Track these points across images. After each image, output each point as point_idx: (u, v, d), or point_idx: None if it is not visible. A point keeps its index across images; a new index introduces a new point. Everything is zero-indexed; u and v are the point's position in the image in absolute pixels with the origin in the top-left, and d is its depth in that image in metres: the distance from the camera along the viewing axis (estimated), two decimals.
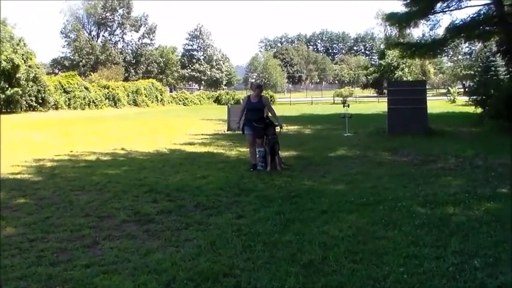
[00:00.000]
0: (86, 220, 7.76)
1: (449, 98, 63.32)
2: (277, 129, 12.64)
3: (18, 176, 12.03)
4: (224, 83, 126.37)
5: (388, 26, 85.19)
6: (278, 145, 12.47)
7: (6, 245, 6.61)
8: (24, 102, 50.58)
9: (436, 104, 46.94)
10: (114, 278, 5.35)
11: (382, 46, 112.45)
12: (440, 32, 31.15)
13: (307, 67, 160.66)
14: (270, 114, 12.75)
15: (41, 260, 5.99)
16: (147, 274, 5.43)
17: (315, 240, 6.40)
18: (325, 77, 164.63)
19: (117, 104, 62.92)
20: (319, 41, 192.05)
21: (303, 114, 41.43)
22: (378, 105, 53.28)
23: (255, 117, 12.32)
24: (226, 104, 51.30)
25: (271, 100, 65.69)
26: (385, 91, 36.62)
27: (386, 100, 21.33)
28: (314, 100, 79.82)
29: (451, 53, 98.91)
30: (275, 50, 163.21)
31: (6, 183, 11.10)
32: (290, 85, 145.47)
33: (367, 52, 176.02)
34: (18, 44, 53.40)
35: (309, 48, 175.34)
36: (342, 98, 64.93)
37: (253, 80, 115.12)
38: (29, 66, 51.22)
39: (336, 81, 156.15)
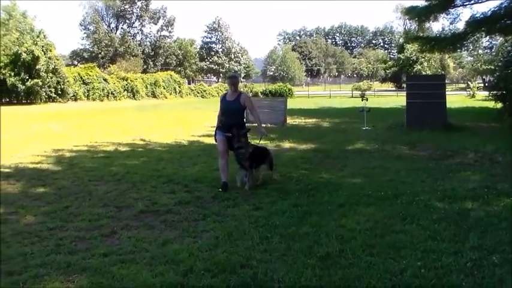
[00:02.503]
0: (104, 210, 7.86)
1: (468, 92, 62.78)
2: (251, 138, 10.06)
3: (38, 166, 12.16)
4: (242, 75, 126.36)
5: (407, 20, 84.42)
6: (249, 161, 9.47)
7: (26, 233, 6.71)
8: (44, 94, 51.13)
9: (455, 98, 46.57)
10: (132, 267, 5.40)
11: (401, 40, 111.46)
12: (460, 25, 30.86)
13: (326, 60, 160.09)
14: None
15: (60, 248, 6.08)
16: (165, 264, 5.48)
17: (332, 233, 6.40)
18: (343, 70, 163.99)
19: (136, 96, 63.29)
20: (337, 34, 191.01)
21: (321, 107, 41.31)
22: (397, 99, 52.95)
23: (231, 121, 9.47)
24: None
25: (288, 93, 65.59)
26: (404, 85, 36.39)
27: (405, 94, 21.21)
28: (332, 93, 79.59)
29: (471, 47, 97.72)
30: (293, 43, 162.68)
31: (26, 173, 11.25)
32: (308, 78, 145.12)
33: (386, 46, 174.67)
34: (38, 36, 54.01)
35: (327, 41, 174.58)
36: (360, 92, 64.72)
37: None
38: (49, 58, 51.72)
39: (355, 75, 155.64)
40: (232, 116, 9.57)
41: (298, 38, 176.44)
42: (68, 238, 6.42)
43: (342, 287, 4.87)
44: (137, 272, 5.26)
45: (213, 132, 9.88)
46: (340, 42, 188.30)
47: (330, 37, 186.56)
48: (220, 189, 9.16)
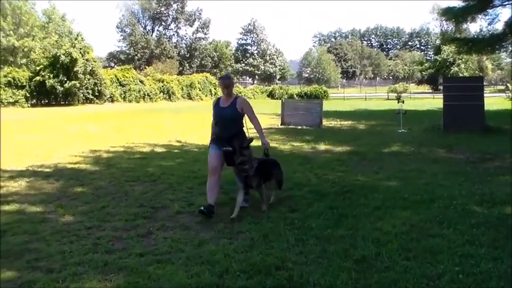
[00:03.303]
0: (140, 210, 7.94)
1: (507, 95, 61.56)
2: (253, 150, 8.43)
3: (76, 166, 12.35)
4: (278, 77, 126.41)
5: (444, 21, 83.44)
6: (256, 179, 7.96)
7: (65, 231, 6.85)
8: (82, 95, 51.94)
9: (493, 100, 45.78)
10: (168, 267, 5.45)
11: (437, 41, 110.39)
12: (499, 26, 30.28)
13: (361, 62, 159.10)
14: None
15: (97, 247, 6.18)
16: (200, 265, 5.51)
17: (367, 236, 6.36)
18: (379, 72, 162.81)
19: (171, 98, 63.72)
20: (373, 36, 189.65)
21: (356, 109, 41.08)
22: (433, 101, 52.35)
23: (227, 132, 7.95)
24: (280, 99, 51.21)
25: (324, 95, 65.38)
26: (441, 87, 35.96)
27: (442, 96, 20.98)
28: (368, 96, 79.00)
29: (510, 48, 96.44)
30: (329, 44, 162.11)
31: (65, 173, 11.44)
32: (344, 80, 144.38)
33: (422, 47, 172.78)
34: (76, 39, 54.98)
35: (363, 43, 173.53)
36: (396, 94, 64.28)
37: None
38: (86, 60, 52.48)
39: (390, 77, 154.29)
40: (228, 125, 7.99)
41: (333, 39, 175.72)
42: (105, 237, 6.52)
43: None
44: (173, 272, 5.31)
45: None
46: (376, 44, 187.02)
47: (366, 39, 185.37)
48: (201, 209, 7.44)
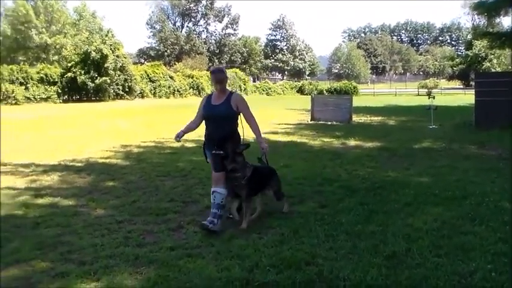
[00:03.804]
0: (171, 205, 8.00)
1: None
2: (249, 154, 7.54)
3: (107, 161, 12.48)
4: (307, 73, 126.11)
5: (475, 15, 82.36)
6: (246, 190, 6.96)
7: (97, 225, 6.94)
8: (112, 91, 52.46)
9: None
10: (198, 261, 5.49)
11: (469, 36, 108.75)
12: None
13: (391, 58, 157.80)
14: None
15: (128, 240, 6.25)
16: (230, 259, 5.54)
17: (398, 232, 6.33)
18: (409, 68, 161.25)
19: (201, 93, 63.94)
20: (403, 31, 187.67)
21: (386, 105, 40.79)
22: (464, 97, 51.82)
23: (219, 133, 6.99)
24: (310, 94, 51.05)
25: (353, 91, 64.99)
26: (472, 83, 35.47)
27: (474, 92, 20.72)
28: (398, 91, 78.37)
29: None
30: (358, 40, 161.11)
31: (96, 167, 11.57)
32: (373, 76, 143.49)
33: (453, 42, 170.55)
34: (106, 35, 55.71)
35: (392, 38, 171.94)
36: (426, 90, 63.64)
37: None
38: (117, 56, 53.07)
39: (421, 73, 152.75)
40: (221, 125, 7.03)
41: (363, 35, 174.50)
42: (136, 231, 6.59)
43: (408, 287, 4.81)
44: (203, 266, 5.34)
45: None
46: (406, 39, 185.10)
47: (396, 34, 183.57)
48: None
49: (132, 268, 5.33)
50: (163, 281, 5.00)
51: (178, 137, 7.56)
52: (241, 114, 7.26)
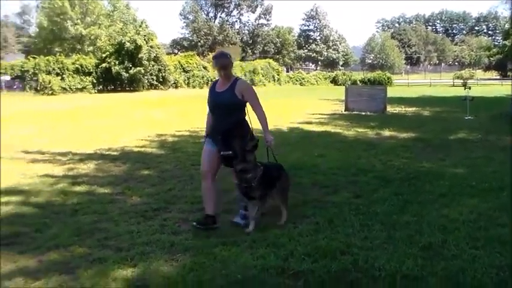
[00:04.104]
0: None
1: None
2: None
3: (143, 150, 12.63)
4: (341, 63, 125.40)
5: None
6: (260, 190, 6.27)
7: (132, 212, 7.05)
8: (146, 81, 52.82)
9: None
10: (233, 249, 5.53)
11: (506, 26, 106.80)
12: None
13: (426, 48, 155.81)
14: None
15: (164, 228, 6.34)
16: (265, 247, 5.56)
17: (433, 223, 6.29)
18: (444, 58, 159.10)
19: None
20: (438, 21, 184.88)
21: (421, 96, 40.37)
22: (501, 88, 50.85)
23: (223, 123, 6.32)
24: (344, 85, 50.76)
25: (387, 81, 64.40)
26: (510, 73, 34.90)
27: (511, 83, 20.38)
28: (432, 82, 77.42)
29: None
30: (392, 30, 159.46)
31: (131, 156, 11.71)
32: (408, 66, 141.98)
33: (489, 32, 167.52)
34: (140, 26, 56.12)
35: (427, 28, 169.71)
36: (462, 80, 62.78)
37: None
38: (151, 47, 53.41)
39: (456, 63, 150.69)
40: (225, 115, 6.35)
41: (397, 25, 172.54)
42: (172, 219, 6.66)
43: (445, 278, 4.76)
44: (238, 254, 5.38)
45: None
46: (441, 29, 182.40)
47: (430, 24, 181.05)
48: (195, 223, 6.32)
49: (168, 255, 5.39)
50: (199, 268, 5.05)
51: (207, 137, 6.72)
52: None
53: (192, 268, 5.04)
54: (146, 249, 5.55)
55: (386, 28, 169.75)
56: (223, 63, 6.40)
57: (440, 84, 75.14)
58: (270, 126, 6.76)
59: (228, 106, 6.33)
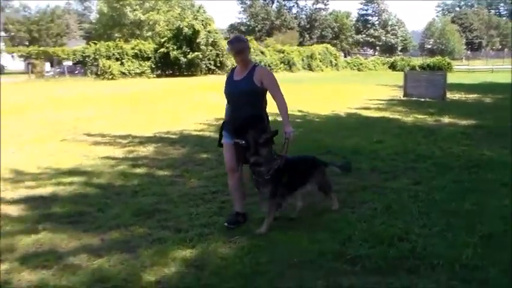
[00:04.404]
0: None
1: None
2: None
3: (201, 133, 12.79)
4: (399, 48, 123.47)
5: None
6: (271, 186, 5.78)
7: (191, 195, 7.19)
8: (204, 66, 53.12)
9: None
10: (290, 233, 5.59)
11: None
12: None
13: (488, 33, 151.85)
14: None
15: (222, 210, 6.44)
16: (323, 232, 5.58)
17: (495, 213, 6.18)
18: (507, 43, 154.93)
19: (292, 68, 63.81)
20: (502, 4, 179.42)
21: (482, 82, 39.35)
22: None
23: (240, 114, 5.84)
24: (402, 70, 50.03)
25: (447, 67, 63.16)
26: None
27: None
28: (495, 68, 75.30)
29: None
30: (453, 14, 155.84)
31: (190, 139, 11.89)
32: (468, 52, 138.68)
33: None
34: (198, 11, 56.59)
35: (490, 12, 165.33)
36: None
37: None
38: (208, 32, 53.76)
39: None
40: (242, 105, 5.86)
41: (458, 9, 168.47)
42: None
43: (506, 270, 4.66)
44: (296, 238, 5.43)
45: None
46: (505, 12, 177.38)
47: (493, 7, 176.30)
48: (226, 224, 5.88)
49: (226, 237, 5.47)
50: (257, 250, 5.11)
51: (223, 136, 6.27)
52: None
53: (250, 251, 5.11)
54: (204, 231, 5.65)
55: (447, 12, 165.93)
56: (238, 47, 5.84)
57: (503, 70, 73.06)
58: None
59: (247, 95, 5.81)
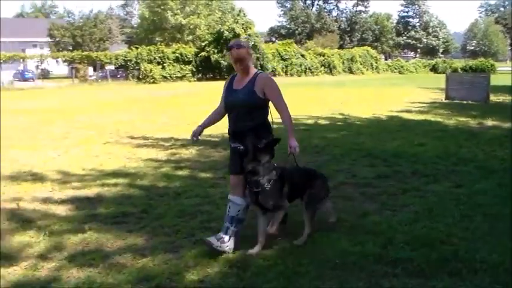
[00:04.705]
0: None
1: None
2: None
3: None
4: (441, 50, 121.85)
5: None
6: (273, 198, 5.25)
7: None
8: None
9: None
10: (332, 235, 5.60)
11: None
12: None
13: None
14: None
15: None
16: (364, 234, 5.59)
17: None
18: None
19: (333, 71, 63.63)
20: None
21: None
22: None
23: (239, 126, 5.36)
24: (444, 73, 49.45)
25: (490, 69, 62.18)
26: None
27: None
28: None
29: None
30: (496, 15, 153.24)
31: None
32: None
33: None
34: (238, 15, 56.97)
35: None
36: None
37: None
38: (249, 35, 53.86)
39: None
40: (242, 116, 5.33)
41: (502, 9, 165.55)
42: None
43: None
44: (337, 240, 5.44)
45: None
46: None
47: None
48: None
49: (269, 239, 5.44)
50: (298, 251, 5.17)
51: (195, 136, 5.66)
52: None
53: (292, 252, 5.16)
54: (247, 232, 5.67)
55: (490, 13, 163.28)
56: (239, 54, 5.27)
57: None
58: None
59: (247, 106, 5.28)
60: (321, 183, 5.78)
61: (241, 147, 5.19)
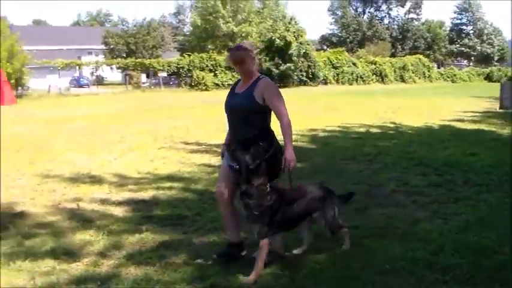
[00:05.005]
0: (356, 187, 8.10)
1: None
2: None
3: (295, 143, 12.90)
4: (496, 58, 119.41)
5: None
6: (261, 224, 4.90)
7: None
8: (296, 77, 53.45)
9: None
10: (383, 241, 5.67)
11: None
12: None
13: None
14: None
15: None
16: (415, 241, 5.62)
17: None
18: None
19: (384, 80, 63.18)
20: None
21: None
22: None
23: (238, 134, 5.13)
24: (499, 81, 48.56)
25: None
26: None
27: None
28: None
29: None
30: None
31: (283, 149, 12.06)
32: None
33: None
34: (289, 23, 57.08)
35: None
36: None
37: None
38: (300, 43, 54.13)
39: None
40: (242, 122, 5.08)
41: None
42: None
43: None
44: (388, 246, 5.50)
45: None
46: None
47: None
48: (215, 256, 5.26)
49: (319, 243, 5.59)
50: (348, 257, 5.26)
51: (223, 156, 5.43)
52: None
53: (342, 257, 5.25)
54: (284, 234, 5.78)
55: None
56: (237, 57, 5.14)
57: None
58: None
59: (245, 112, 5.04)
60: (333, 203, 5.38)
61: (237, 166, 4.91)
